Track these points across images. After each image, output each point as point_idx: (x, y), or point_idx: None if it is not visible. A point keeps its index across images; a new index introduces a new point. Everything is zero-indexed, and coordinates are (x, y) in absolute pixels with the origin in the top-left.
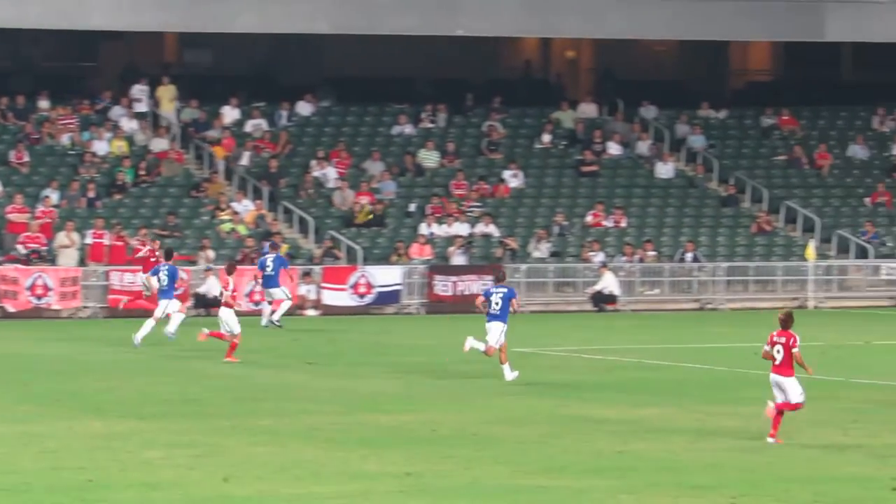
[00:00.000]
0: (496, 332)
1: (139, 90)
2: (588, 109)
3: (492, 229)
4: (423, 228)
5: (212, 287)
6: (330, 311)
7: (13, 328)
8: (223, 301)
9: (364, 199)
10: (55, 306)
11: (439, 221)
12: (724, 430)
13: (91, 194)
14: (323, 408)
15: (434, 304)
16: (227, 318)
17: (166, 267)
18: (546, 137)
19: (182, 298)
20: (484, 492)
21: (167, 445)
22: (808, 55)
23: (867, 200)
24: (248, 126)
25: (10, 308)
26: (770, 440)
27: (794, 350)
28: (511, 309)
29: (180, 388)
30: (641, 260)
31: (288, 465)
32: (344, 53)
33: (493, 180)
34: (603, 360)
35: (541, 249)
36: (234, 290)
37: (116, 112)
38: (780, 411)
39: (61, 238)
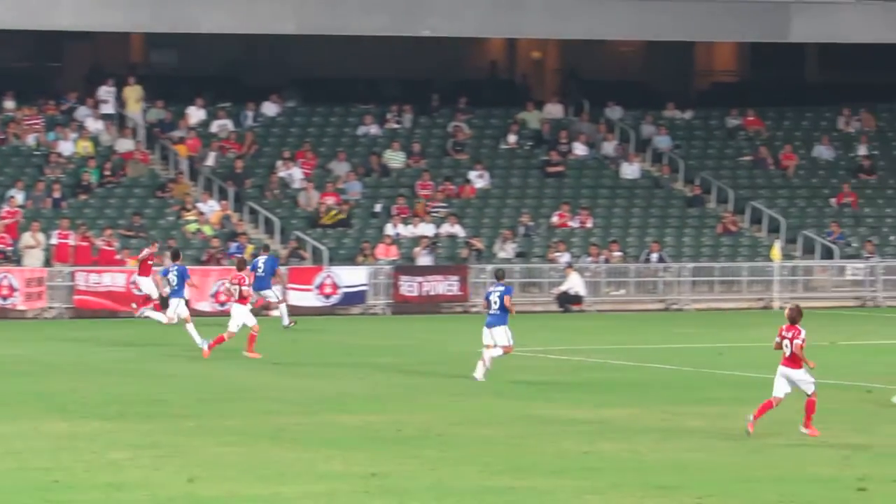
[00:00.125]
0: (503, 335)
1: (106, 91)
2: (554, 110)
3: (457, 230)
4: (389, 229)
5: None
6: (296, 311)
7: None
8: (236, 297)
9: (330, 200)
10: (20, 307)
11: (405, 222)
12: (689, 431)
13: (56, 195)
14: (288, 408)
15: (400, 304)
16: (239, 314)
17: (175, 267)
18: (512, 138)
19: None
20: (449, 492)
21: (132, 446)
22: (774, 56)
23: (832, 201)
24: (214, 126)
25: None
26: (804, 430)
27: (797, 342)
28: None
29: (146, 388)
30: (607, 260)
31: (253, 466)
32: (310, 54)
33: (459, 181)
34: (569, 361)
35: (506, 250)
36: (247, 286)
37: (82, 112)
38: (808, 405)
39: (26, 238)
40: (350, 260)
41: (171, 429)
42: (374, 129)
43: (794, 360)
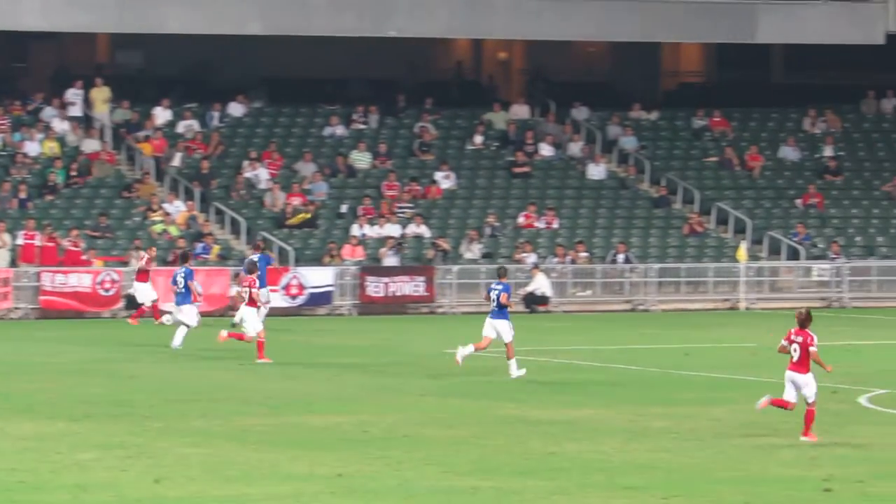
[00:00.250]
0: (507, 329)
1: (73, 94)
2: (520, 111)
3: (424, 230)
4: (355, 229)
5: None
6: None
7: None
8: (246, 300)
9: (296, 201)
10: None
11: (371, 222)
12: (655, 431)
13: (22, 195)
14: (254, 409)
15: (366, 305)
16: (248, 317)
17: (183, 270)
18: (478, 139)
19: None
20: (415, 493)
21: (98, 447)
22: (740, 57)
23: (798, 202)
24: (180, 127)
25: None
26: (804, 439)
27: (812, 349)
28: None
29: (112, 389)
30: (573, 261)
31: (219, 467)
32: (276, 54)
33: (425, 181)
34: (535, 362)
35: (472, 251)
36: (257, 289)
37: (48, 113)
38: (807, 415)
39: None
40: (316, 260)
41: (137, 430)
42: (340, 130)
43: (802, 365)
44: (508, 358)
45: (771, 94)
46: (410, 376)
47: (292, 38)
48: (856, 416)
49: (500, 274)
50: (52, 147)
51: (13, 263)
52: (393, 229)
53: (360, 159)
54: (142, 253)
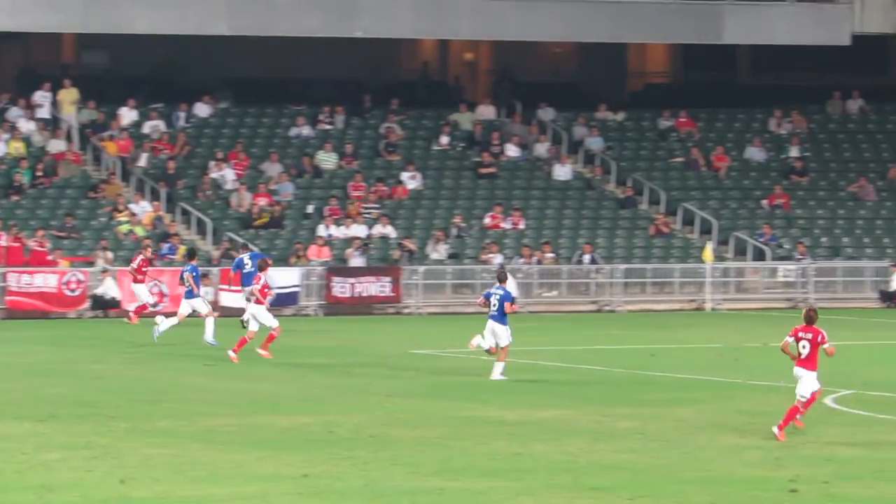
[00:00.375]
0: (504, 333)
1: (41, 96)
2: (486, 111)
3: (390, 231)
4: (321, 230)
5: (109, 288)
6: (227, 312)
7: None
8: (255, 298)
9: (262, 201)
10: None
11: (337, 223)
12: (621, 432)
13: None
14: (220, 409)
15: (332, 305)
16: (259, 314)
17: (189, 267)
18: (444, 139)
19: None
20: (381, 493)
21: (64, 447)
22: (706, 58)
23: (764, 202)
24: (146, 127)
25: None
26: (775, 430)
27: (826, 346)
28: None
29: (77, 389)
30: (539, 262)
31: (185, 467)
32: (242, 55)
33: (391, 182)
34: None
35: (439, 251)
36: (263, 287)
37: (14, 113)
38: (791, 410)
39: None
40: (282, 261)
41: (102, 430)
42: (306, 131)
43: (810, 361)
44: (498, 360)
45: (737, 95)
46: (377, 377)
47: (258, 39)
48: (821, 417)
49: (501, 278)
50: (17, 147)
51: None
52: (359, 230)
53: (327, 160)
54: (139, 256)
